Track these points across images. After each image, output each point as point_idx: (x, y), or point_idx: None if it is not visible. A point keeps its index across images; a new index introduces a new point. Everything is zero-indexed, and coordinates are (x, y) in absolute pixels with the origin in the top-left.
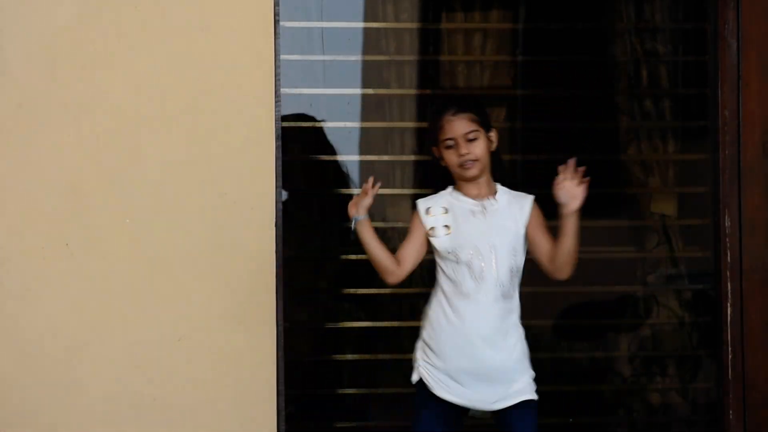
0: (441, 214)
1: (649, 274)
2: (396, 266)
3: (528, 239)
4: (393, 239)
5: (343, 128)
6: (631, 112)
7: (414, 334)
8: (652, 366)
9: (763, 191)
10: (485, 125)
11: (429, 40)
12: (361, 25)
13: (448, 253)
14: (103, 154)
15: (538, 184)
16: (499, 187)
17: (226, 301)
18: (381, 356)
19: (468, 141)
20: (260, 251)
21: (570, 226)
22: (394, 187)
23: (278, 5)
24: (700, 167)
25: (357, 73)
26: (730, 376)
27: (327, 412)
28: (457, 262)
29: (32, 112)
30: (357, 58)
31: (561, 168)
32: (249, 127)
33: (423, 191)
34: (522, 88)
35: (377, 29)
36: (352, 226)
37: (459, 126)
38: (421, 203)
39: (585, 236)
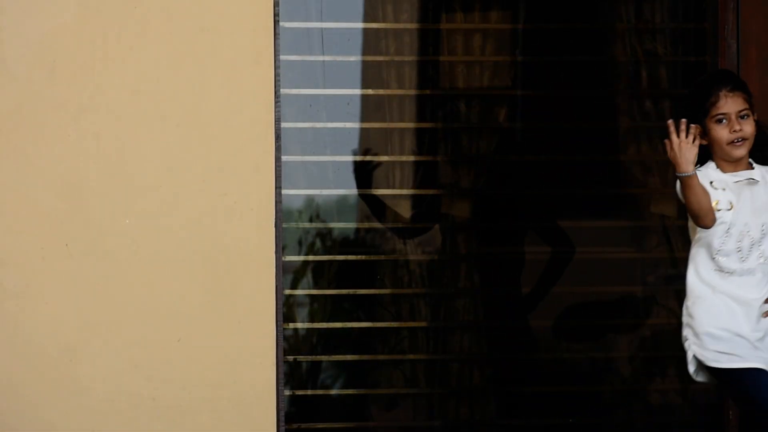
0: (722, 189)
1: (649, 275)
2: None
3: None
4: (393, 239)
5: (342, 128)
6: (631, 112)
7: (413, 334)
8: (652, 366)
9: None
10: (752, 107)
11: (429, 41)
12: (360, 25)
13: (728, 230)
14: (103, 154)
15: (538, 184)
16: (754, 164)
17: (225, 302)
18: (380, 357)
19: (740, 119)
20: (260, 251)
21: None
22: (393, 187)
23: (278, 5)
24: None
25: (357, 74)
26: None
27: (326, 412)
28: (728, 238)
29: (32, 112)
30: (357, 58)
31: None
32: (249, 128)
33: (423, 192)
34: (522, 89)
35: (377, 29)
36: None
37: (735, 103)
38: (702, 173)
39: (586, 237)
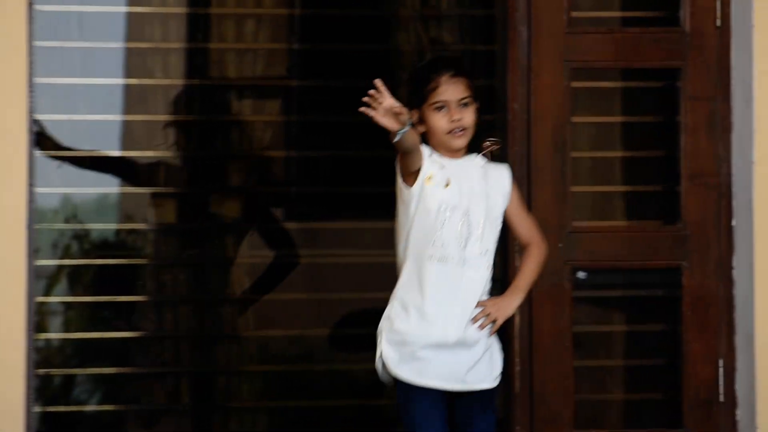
0: (439, 168)
1: None
2: None
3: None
4: (157, 242)
5: (103, 121)
6: None
7: (176, 344)
8: None
9: (553, 190)
10: (474, 95)
11: (198, 27)
12: (123, 9)
13: (440, 210)
14: None
15: (315, 180)
16: (473, 157)
17: None
18: (141, 369)
19: (461, 107)
20: (10, 255)
21: None
22: (157, 185)
23: None
24: None
25: (119, 62)
26: (517, 390)
27: (81, 430)
28: (444, 222)
29: None
30: (119, 45)
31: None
32: None
33: (190, 190)
34: (298, 79)
35: (142, 14)
36: (399, 137)
37: (456, 90)
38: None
39: (362, 238)
